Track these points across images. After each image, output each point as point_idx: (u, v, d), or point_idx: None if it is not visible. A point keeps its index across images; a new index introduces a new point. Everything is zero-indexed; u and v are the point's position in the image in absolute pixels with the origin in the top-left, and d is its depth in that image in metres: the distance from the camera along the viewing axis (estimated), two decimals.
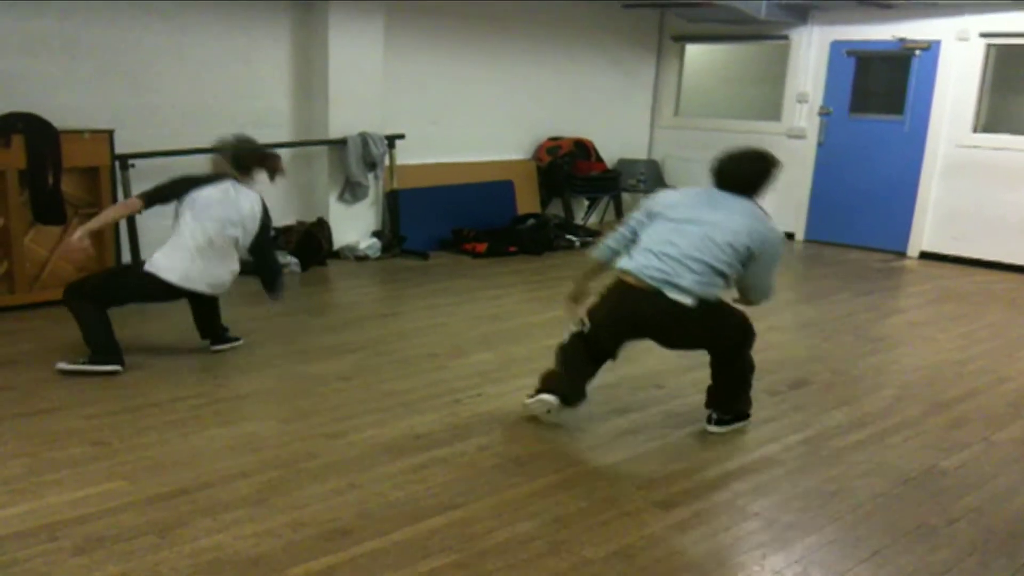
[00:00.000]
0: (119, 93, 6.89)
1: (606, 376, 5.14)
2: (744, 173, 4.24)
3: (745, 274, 4.21)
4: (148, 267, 5.02)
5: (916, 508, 3.70)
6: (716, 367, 4.44)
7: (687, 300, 4.02)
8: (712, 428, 4.42)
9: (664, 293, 4.02)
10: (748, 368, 4.45)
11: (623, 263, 4.22)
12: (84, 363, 4.86)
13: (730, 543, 3.36)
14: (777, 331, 6.33)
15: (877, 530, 3.50)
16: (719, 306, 4.19)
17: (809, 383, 5.23)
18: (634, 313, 4.16)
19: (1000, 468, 4.14)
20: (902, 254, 9.39)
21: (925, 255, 9.27)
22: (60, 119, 6.09)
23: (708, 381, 5.15)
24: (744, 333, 4.35)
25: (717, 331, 4.27)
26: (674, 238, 4.10)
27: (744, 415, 4.52)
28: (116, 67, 6.87)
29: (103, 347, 4.90)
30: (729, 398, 4.46)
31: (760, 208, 4.25)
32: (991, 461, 4.22)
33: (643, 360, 5.49)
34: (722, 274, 4.10)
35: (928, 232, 9.26)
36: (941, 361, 5.78)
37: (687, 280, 4.01)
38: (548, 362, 5.39)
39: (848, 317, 6.81)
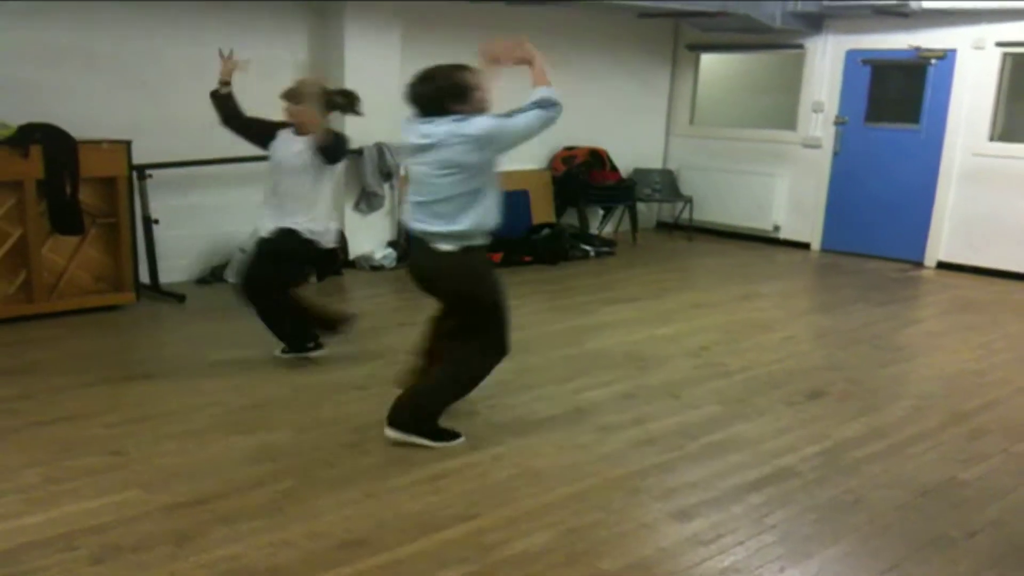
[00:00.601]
0: (137, 103, 6.93)
1: (623, 386, 5.15)
2: (430, 96, 4.11)
3: (502, 150, 4.12)
4: (332, 242, 5.29)
5: (935, 520, 3.67)
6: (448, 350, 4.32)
7: (445, 246, 4.04)
8: (389, 432, 4.17)
9: (427, 243, 4.09)
10: (469, 373, 4.26)
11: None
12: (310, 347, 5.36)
13: (747, 555, 3.34)
14: (794, 341, 6.31)
15: (895, 542, 3.48)
16: (486, 277, 4.19)
17: (826, 393, 5.21)
18: (416, 266, 4.26)
19: (1020, 479, 4.11)
20: (919, 264, 9.34)
21: (942, 265, 9.21)
22: (79, 129, 6.13)
23: (720, 392, 5.17)
24: (493, 325, 4.22)
25: (472, 294, 4.18)
26: (422, 189, 4.11)
27: (430, 431, 4.20)
28: (134, 78, 6.92)
29: (299, 334, 5.33)
30: (425, 397, 4.25)
31: (464, 118, 4.03)
32: (1011, 472, 4.19)
33: (659, 370, 5.49)
34: (471, 194, 4.02)
35: (945, 242, 9.20)
36: (959, 371, 5.75)
37: (438, 226, 4.04)
38: (564, 371, 5.41)
39: (865, 327, 6.78)
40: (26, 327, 5.86)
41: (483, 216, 4.08)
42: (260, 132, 5.32)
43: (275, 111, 7.68)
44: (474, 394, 4.92)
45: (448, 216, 4.02)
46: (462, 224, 4.03)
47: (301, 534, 3.34)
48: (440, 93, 4.08)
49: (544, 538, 3.39)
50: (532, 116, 4.08)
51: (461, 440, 4.23)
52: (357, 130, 8.00)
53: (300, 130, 5.13)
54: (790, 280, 8.74)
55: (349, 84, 7.85)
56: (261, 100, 7.53)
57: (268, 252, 5.13)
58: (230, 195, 7.54)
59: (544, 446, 4.27)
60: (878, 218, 9.58)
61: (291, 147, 5.13)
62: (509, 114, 4.07)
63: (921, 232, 9.31)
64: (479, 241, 4.13)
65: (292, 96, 5.13)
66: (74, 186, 5.98)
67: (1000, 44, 8.65)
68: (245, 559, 3.16)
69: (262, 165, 7.49)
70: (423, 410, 4.21)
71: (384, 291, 7.50)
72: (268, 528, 3.38)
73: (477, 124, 4.00)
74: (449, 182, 4.00)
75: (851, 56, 9.64)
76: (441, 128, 4.00)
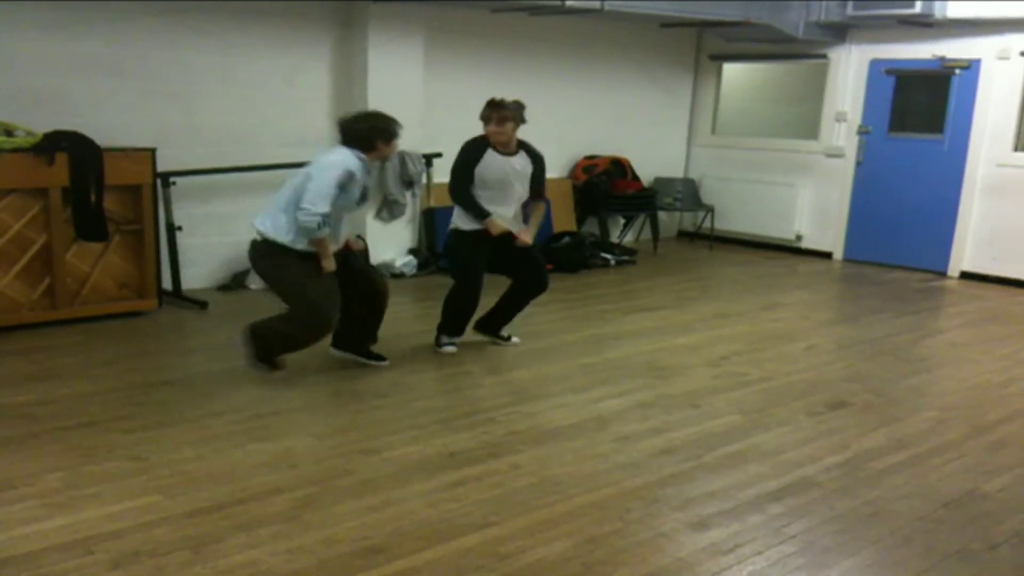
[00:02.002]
0: (164, 112, 6.99)
1: (643, 395, 5.14)
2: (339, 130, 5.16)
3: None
4: None
5: (957, 532, 3.64)
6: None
7: (255, 235, 5.00)
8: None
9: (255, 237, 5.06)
10: (282, 331, 5.02)
11: None
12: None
13: (766, 566, 3.32)
14: (816, 352, 6.27)
15: (917, 554, 3.45)
16: (284, 257, 4.94)
17: (848, 404, 5.17)
18: None
19: None
20: (942, 274, 9.28)
21: (966, 275, 9.14)
22: (106, 137, 6.18)
23: (740, 402, 5.16)
24: (300, 310, 4.97)
25: (273, 276, 5.04)
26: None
27: (266, 360, 5.10)
28: (161, 87, 6.98)
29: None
30: (264, 333, 5.05)
31: (352, 151, 5.00)
32: None
33: (679, 380, 5.47)
34: (293, 204, 4.85)
35: (969, 252, 9.13)
36: (983, 383, 5.70)
37: (258, 219, 5.00)
38: (583, 380, 5.40)
39: (888, 338, 6.73)
40: (49, 333, 5.90)
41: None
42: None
43: (295, 115, 7.76)
44: (494, 402, 4.94)
45: (272, 218, 5.05)
46: (277, 223, 5.00)
47: (319, 541, 3.35)
48: (353, 132, 5.13)
49: (561, 547, 3.38)
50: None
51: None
52: None
53: (506, 148, 5.69)
54: (812, 290, 8.69)
55: (372, 92, 7.91)
56: (283, 110, 7.64)
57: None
58: (253, 202, 7.52)
59: (563, 455, 4.26)
60: (901, 228, 9.53)
61: (512, 165, 5.71)
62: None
63: (944, 242, 9.25)
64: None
65: (503, 119, 5.62)
66: (99, 193, 6.02)
67: None
68: (263, 566, 3.16)
69: (283, 173, 7.54)
70: None
71: (405, 299, 7.51)
72: (286, 535, 3.39)
73: (324, 160, 5.03)
74: (290, 196, 4.98)
75: (875, 66, 9.60)
76: (321, 157, 5.12)
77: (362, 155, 5.01)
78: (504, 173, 5.68)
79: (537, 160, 5.83)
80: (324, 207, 4.76)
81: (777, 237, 10.43)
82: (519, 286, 5.94)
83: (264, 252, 4.99)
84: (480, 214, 5.64)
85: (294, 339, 5.07)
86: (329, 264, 4.96)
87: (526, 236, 5.79)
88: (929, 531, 3.64)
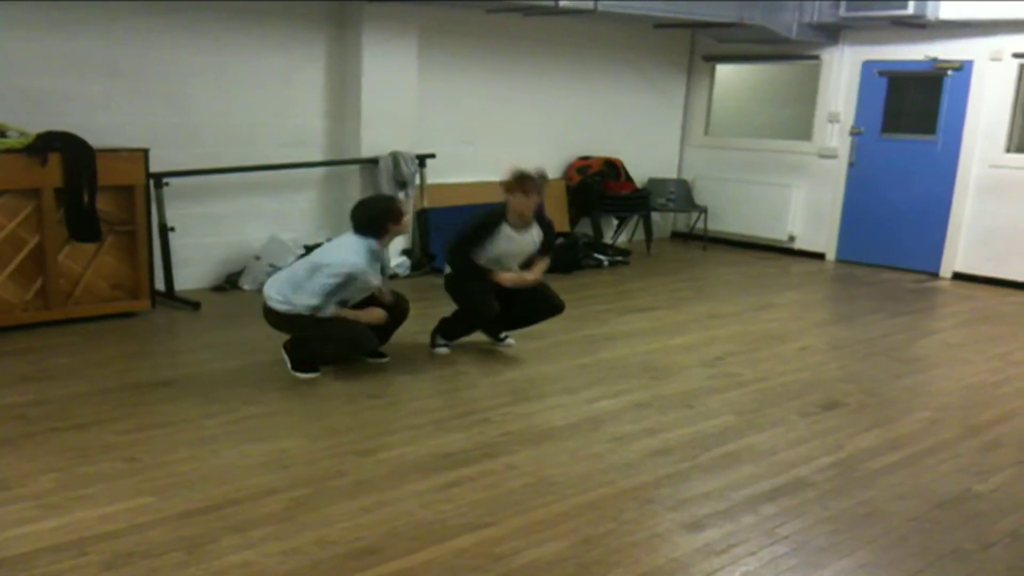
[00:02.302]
0: (158, 112, 6.97)
1: (637, 395, 5.15)
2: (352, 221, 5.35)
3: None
4: None
5: (951, 532, 3.65)
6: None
7: (275, 306, 5.24)
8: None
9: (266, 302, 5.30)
10: (327, 353, 5.35)
11: None
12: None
13: (759, 566, 3.32)
14: (809, 352, 6.28)
15: (910, 554, 3.45)
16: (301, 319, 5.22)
17: (842, 404, 5.18)
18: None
19: None
20: (935, 275, 9.30)
21: (958, 276, 9.16)
22: (99, 138, 6.17)
23: (734, 402, 5.16)
24: (340, 344, 5.32)
25: (302, 332, 5.31)
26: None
27: (302, 364, 5.31)
28: (155, 87, 6.95)
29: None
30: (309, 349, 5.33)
31: (365, 242, 5.21)
32: None
33: (673, 380, 5.47)
34: (295, 287, 5.17)
35: (961, 253, 9.16)
36: (976, 383, 5.71)
37: (267, 286, 5.34)
38: (578, 380, 5.40)
39: (881, 338, 6.74)
40: (43, 333, 5.89)
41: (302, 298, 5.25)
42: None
43: (289, 115, 7.73)
44: (489, 402, 4.95)
45: (283, 292, 5.33)
46: (292, 299, 5.25)
47: (312, 542, 3.35)
48: (365, 222, 5.32)
49: (556, 547, 3.38)
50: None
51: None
52: (373, 140, 8.04)
53: (523, 219, 5.66)
54: (805, 291, 8.71)
55: (366, 93, 7.91)
56: (277, 111, 7.63)
57: None
58: (246, 203, 7.58)
59: (558, 455, 4.26)
60: (894, 229, 9.55)
61: (522, 242, 5.73)
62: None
63: (937, 243, 9.27)
64: None
65: (532, 191, 5.58)
66: (92, 194, 6.01)
67: (1017, 55, 8.61)
68: (256, 567, 3.16)
69: (277, 174, 7.59)
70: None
71: None
72: (279, 536, 3.38)
73: (339, 261, 5.22)
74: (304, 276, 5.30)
75: (867, 67, 9.62)
76: (333, 249, 5.41)
77: (375, 244, 5.26)
78: (511, 251, 5.70)
79: (547, 229, 5.87)
80: (316, 302, 5.11)
81: (770, 238, 10.45)
82: (529, 311, 5.94)
83: (282, 320, 5.26)
84: (478, 274, 5.66)
85: (337, 360, 5.45)
86: (370, 317, 5.33)
87: (530, 276, 5.79)
88: (923, 531, 3.65)
